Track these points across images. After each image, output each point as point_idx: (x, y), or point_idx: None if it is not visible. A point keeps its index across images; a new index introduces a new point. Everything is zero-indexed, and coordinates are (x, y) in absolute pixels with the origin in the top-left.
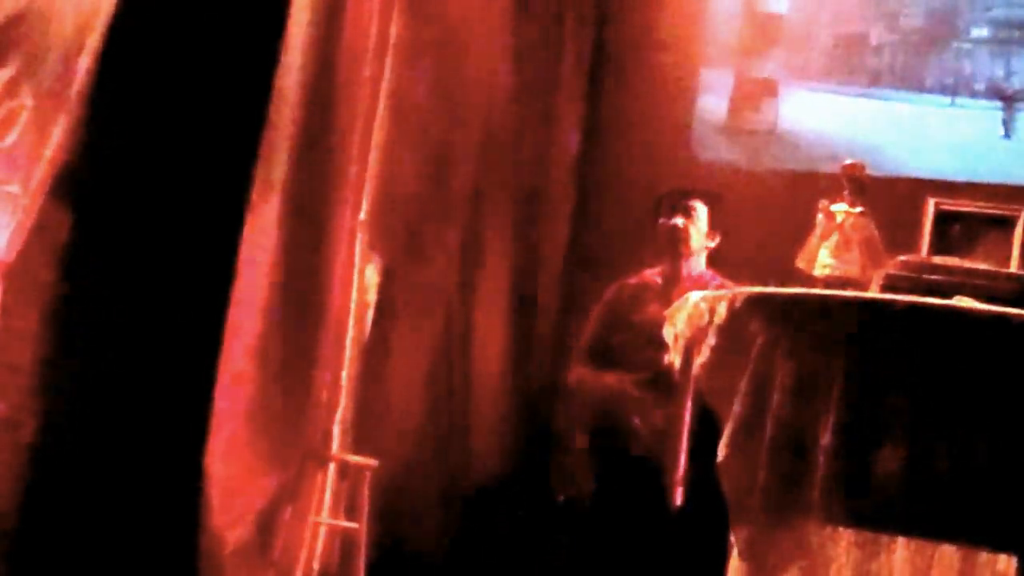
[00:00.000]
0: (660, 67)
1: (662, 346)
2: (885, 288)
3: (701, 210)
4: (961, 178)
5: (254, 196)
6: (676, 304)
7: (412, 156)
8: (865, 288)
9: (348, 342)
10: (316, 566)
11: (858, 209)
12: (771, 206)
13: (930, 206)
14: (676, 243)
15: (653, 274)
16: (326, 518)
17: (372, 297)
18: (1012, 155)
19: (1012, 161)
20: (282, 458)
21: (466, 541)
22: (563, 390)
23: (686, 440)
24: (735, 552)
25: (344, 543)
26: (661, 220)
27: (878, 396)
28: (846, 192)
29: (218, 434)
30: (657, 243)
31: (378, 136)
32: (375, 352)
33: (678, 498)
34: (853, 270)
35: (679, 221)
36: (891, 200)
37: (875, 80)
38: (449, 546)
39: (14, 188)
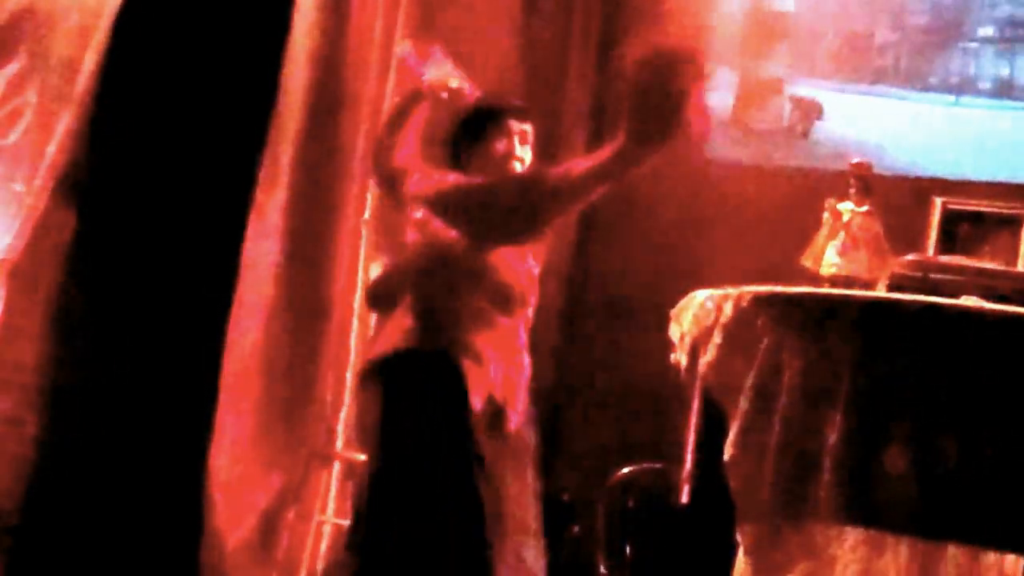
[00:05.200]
0: None
1: None
2: (892, 287)
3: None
4: (968, 177)
5: (258, 195)
6: (682, 303)
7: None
8: (871, 287)
9: (352, 341)
10: (320, 566)
11: (865, 208)
12: (776, 204)
13: (937, 205)
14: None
15: None
16: (330, 517)
17: None
18: (1019, 154)
19: (1019, 160)
20: (286, 457)
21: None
22: None
23: (693, 438)
24: (741, 550)
25: None
26: (496, 144)
27: (885, 396)
28: (852, 191)
29: (222, 433)
30: (479, 165)
31: None
32: None
33: (685, 496)
34: (859, 269)
35: (521, 153)
36: (898, 199)
37: (880, 78)
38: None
39: (18, 186)
